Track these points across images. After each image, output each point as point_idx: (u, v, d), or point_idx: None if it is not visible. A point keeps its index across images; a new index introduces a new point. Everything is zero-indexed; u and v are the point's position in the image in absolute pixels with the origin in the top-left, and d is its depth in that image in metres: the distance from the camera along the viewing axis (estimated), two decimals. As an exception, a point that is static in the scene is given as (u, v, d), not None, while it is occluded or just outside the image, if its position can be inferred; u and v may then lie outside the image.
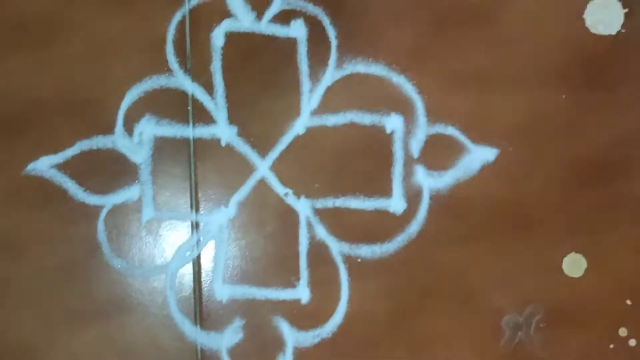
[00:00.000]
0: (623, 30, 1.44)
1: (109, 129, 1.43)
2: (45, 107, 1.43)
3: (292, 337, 1.43)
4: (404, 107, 1.44)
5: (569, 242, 1.44)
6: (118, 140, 1.43)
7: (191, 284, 1.44)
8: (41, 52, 1.44)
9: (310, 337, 1.43)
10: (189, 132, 1.44)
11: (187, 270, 1.45)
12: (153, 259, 1.45)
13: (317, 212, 1.44)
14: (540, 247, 1.44)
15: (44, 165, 1.43)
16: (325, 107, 1.44)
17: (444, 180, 1.44)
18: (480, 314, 1.44)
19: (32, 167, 1.43)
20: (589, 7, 1.44)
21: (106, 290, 1.44)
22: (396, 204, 1.43)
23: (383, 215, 1.43)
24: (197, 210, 1.44)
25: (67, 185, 1.43)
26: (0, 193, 1.44)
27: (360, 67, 1.45)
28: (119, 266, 1.44)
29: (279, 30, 1.44)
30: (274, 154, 1.45)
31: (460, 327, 1.44)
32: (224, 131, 1.44)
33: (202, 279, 1.44)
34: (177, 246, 1.45)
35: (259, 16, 1.44)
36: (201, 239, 1.45)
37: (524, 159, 1.44)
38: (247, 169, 1.44)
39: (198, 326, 1.43)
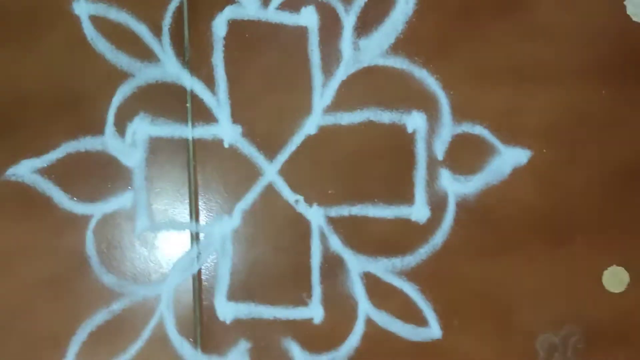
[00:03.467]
0: (669, 18, 1.32)
1: (98, 129, 1.33)
2: (27, 106, 1.33)
3: (304, 360, 1.31)
4: (426, 104, 1.34)
5: (610, 253, 1.34)
6: (108, 142, 1.33)
7: (191, 302, 1.34)
8: (22, 46, 1.33)
9: (323, 361, 1.31)
10: (188, 132, 1.34)
11: (187, 286, 1.34)
12: (148, 275, 1.34)
13: (331, 221, 1.34)
14: (578, 259, 1.34)
15: (26, 170, 1.32)
16: (339, 103, 1.34)
17: (471, 185, 1.34)
18: (513, 334, 1.34)
19: (12, 172, 1.32)
20: (631, -7, 1.32)
21: (95, 309, 1.33)
22: (419, 211, 1.33)
23: (404, 224, 1.34)
24: (197, 219, 1.35)
25: (51, 192, 1.32)
26: None
27: (379, 59, 1.34)
28: (110, 282, 1.33)
29: (287, 18, 1.34)
30: (283, 156, 1.34)
31: (490, 348, 1.34)
32: (226, 131, 1.34)
33: (203, 297, 1.34)
34: (175, 260, 1.34)
35: (266, 3, 1.34)
36: (202, 251, 1.34)
37: (559, 162, 1.34)
38: (253, 173, 1.35)
39: (199, 349, 1.33)
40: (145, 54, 1.33)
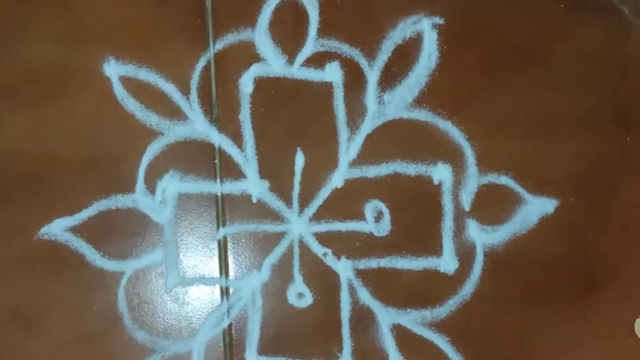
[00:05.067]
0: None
1: (128, 187, 1.34)
2: (58, 166, 1.34)
3: (337, 414, 1.30)
4: (452, 156, 1.34)
5: (641, 302, 1.30)
6: (139, 199, 1.34)
7: (222, 356, 1.34)
8: (52, 106, 1.34)
9: (357, 415, 1.30)
10: (217, 188, 1.35)
11: (218, 341, 1.34)
12: (179, 330, 1.34)
13: (360, 273, 1.34)
14: (610, 308, 1.32)
15: (58, 229, 1.33)
16: (365, 157, 1.35)
17: (498, 235, 1.33)
18: None
19: (45, 231, 1.33)
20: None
21: None
22: (447, 262, 1.33)
23: (433, 275, 1.33)
24: (227, 274, 1.35)
25: (83, 250, 1.33)
26: (10, 260, 1.33)
27: (403, 112, 1.34)
28: (143, 339, 1.33)
29: (312, 75, 1.35)
30: (311, 210, 1.35)
31: None
32: (254, 186, 1.35)
33: (234, 351, 1.34)
34: (206, 315, 1.35)
35: (291, 60, 1.35)
36: (232, 306, 1.34)
37: (586, 210, 1.33)
38: (281, 227, 1.34)
39: None
40: (174, 113, 1.35)
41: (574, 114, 1.35)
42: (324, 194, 1.34)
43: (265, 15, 1.35)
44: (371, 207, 1.34)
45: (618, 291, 1.33)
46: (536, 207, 1.33)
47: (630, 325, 1.33)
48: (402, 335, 1.32)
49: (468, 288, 1.32)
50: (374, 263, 1.33)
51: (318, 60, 1.35)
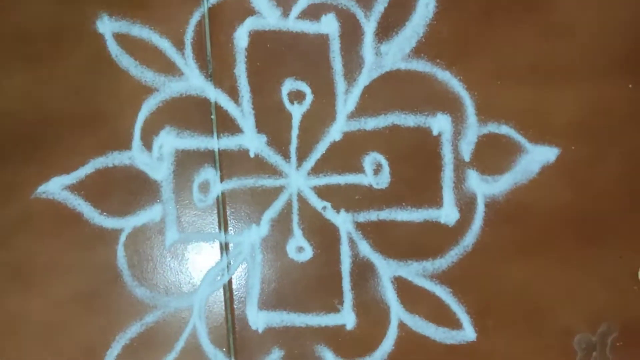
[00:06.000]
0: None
1: (125, 144, 1.33)
2: (54, 124, 1.33)
3: (338, 367, 1.29)
4: (451, 106, 1.32)
5: (645, 249, 1.29)
6: (136, 156, 1.33)
7: (223, 312, 1.34)
8: (47, 65, 1.34)
9: (358, 367, 1.29)
10: (214, 143, 1.33)
11: (218, 297, 1.34)
12: (179, 286, 1.34)
13: (360, 226, 1.33)
14: (613, 256, 1.31)
15: (56, 187, 1.33)
16: (363, 109, 1.33)
17: (499, 185, 1.32)
18: (548, 334, 1.31)
19: (42, 190, 1.33)
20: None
21: (129, 322, 1.33)
22: (448, 214, 1.32)
23: (434, 227, 1.32)
24: (225, 230, 1.34)
25: (81, 208, 1.33)
26: (9, 219, 1.33)
27: (401, 63, 1.33)
28: (143, 295, 1.34)
29: (308, 27, 1.33)
30: (309, 164, 1.34)
31: (526, 349, 1.31)
32: (252, 141, 1.34)
33: (235, 306, 1.34)
34: (206, 271, 1.34)
35: (286, 12, 1.33)
36: (232, 261, 1.34)
37: (588, 158, 1.31)
38: (279, 182, 1.33)
39: (232, 358, 1.33)
40: (169, 69, 1.34)
41: (575, 62, 1.32)
42: (322, 147, 1.33)
43: (259, -33, 1.32)
44: (370, 160, 1.33)
45: (621, 239, 1.31)
46: (537, 156, 1.31)
47: (634, 273, 1.31)
48: (403, 287, 1.32)
49: (469, 239, 1.32)
50: (373, 215, 1.33)
51: (313, 12, 1.33)
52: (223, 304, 1.33)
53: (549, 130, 1.31)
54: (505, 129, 1.31)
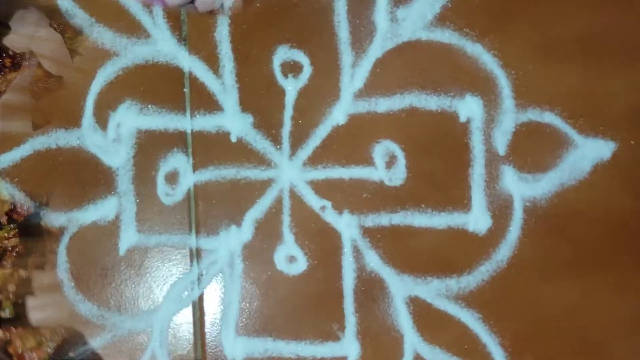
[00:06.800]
0: None
1: (73, 121, 1.21)
2: None
3: (336, 410, 1.17)
4: (483, 87, 1.18)
5: None
6: (86, 136, 1.21)
7: (191, 337, 1.19)
8: None
9: (361, 411, 1.17)
10: (186, 123, 1.21)
11: (185, 318, 1.20)
12: (136, 303, 1.20)
13: (367, 232, 1.18)
14: (681, 277, 1.16)
15: None
16: (374, 87, 1.19)
17: (541, 186, 1.17)
18: None
19: None
20: None
21: (70, 347, 1.19)
22: (477, 220, 1.17)
23: (459, 235, 1.17)
24: (197, 232, 1.20)
25: (15, 199, 1.21)
26: None
27: (421, 32, 1.19)
28: (88, 313, 1.19)
29: None
30: (305, 152, 1.20)
31: None
32: (234, 121, 1.20)
33: (206, 330, 1.19)
34: (170, 284, 1.20)
35: None
36: (204, 272, 1.19)
37: (651, 155, 1.17)
38: (268, 173, 1.21)
39: None
40: (133, 29, 1.22)
41: (634, 37, 1.18)
42: (322, 132, 1.20)
43: None
44: (381, 150, 1.19)
45: (692, 256, 1.17)
46: (588, 152, 1.17)
47: None
48: (420, 310, 1.17)
49: (504, 252, 1.17)
50: (384, 219, 1.18)
51: (315, -36, 1.21)
52: (191, 326, 1.19)
53: (603, 120, 1.17)
54: (549, 117, 1.17)
